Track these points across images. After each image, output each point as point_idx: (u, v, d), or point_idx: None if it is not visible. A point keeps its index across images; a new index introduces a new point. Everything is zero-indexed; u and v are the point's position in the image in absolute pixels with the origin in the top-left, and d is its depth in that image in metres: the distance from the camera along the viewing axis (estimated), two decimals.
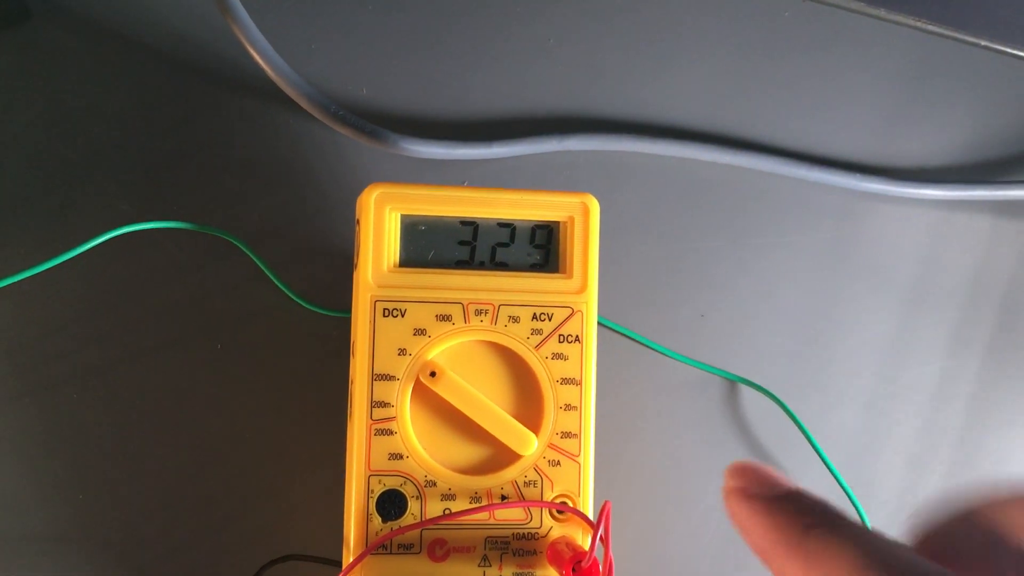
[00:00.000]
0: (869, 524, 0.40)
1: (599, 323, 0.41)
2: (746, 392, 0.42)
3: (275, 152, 0.41)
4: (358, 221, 0.35)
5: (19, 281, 0.37)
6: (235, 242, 0.39)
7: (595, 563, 0.33)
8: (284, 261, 0.40)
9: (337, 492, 0.35)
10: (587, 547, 0.34)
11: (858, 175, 0.44)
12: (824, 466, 0.40)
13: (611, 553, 0.36)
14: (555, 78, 0.43)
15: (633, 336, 0.42)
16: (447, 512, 0.35)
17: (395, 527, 0.34)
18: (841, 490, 0.40)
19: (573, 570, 0.33)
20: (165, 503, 0.38)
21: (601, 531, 0.34)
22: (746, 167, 0.44)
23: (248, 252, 0.39)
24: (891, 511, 0.42)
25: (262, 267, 0.39)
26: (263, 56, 0.39)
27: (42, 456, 0.37)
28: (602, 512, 0.34)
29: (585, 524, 0.35)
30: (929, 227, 0.45)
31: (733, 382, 0.42)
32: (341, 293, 0.38)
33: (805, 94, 0.45)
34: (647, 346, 0.42)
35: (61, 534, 0.37)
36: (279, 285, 0.39)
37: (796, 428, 0.41)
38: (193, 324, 0.39)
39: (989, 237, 0.45)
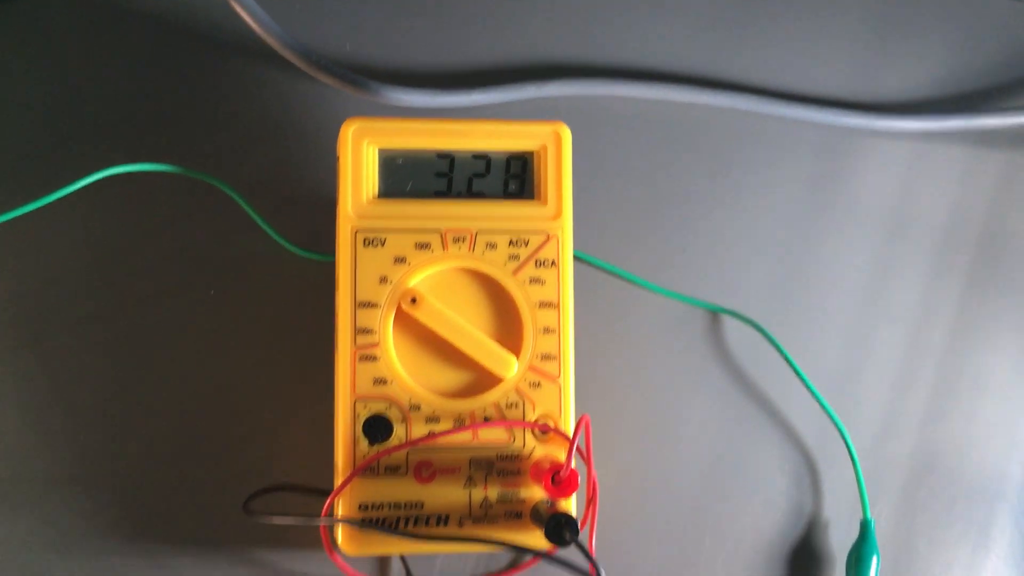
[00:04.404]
0: (853, 447, 0.40)
1: (583, 260, 0.42)
2: (729, 323, 0.42)
3: (262, 106, 0.42)
4: (338, 158, 0.36)
5: (17, 233, 0.39)
6: (225, 189, 0.40)
7: (574, 474, 0.34)
8: (272, 209, 0.41)
9: (325, 429, 0.36)
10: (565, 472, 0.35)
11: (835, 110, 0.45)
12: (808, 391, 0.41)
13: (594, 472, 0.37)
14: (533, 26, 0.45)
15: (617, 271, 0.42)
16: (432, 434, 0.35)
17: (381, 449, 0.35)
18: (825, 414, 0.41)
19: (552, 481, 0.34)
20: (162, 441, 0.39)
21: (580, 443, 0.35)
22: (724, 106, 0.45)
23: (238, 199, 0.40)
24: (875, 432, 0.42)
25: (252, 214, 0.40)
26: (248, 12, 0.40)
27: (43, 401, 0.39)
28: (579, 424, 0.35)
29: (567, 444, 0.36)
30: (908, 159, 0.45)
31: (715, 313, 0.43)
32: (328, 238, 0.39)
33: (781, 34, 0.46)
34: (631, 281, 0.42)
35: (62, 474, 0.38)
36: (268, 231, 0.40)
37: (779, 356, 0.41)
38: (186, 272, 0.41)
39: (966, 166, 0.46)
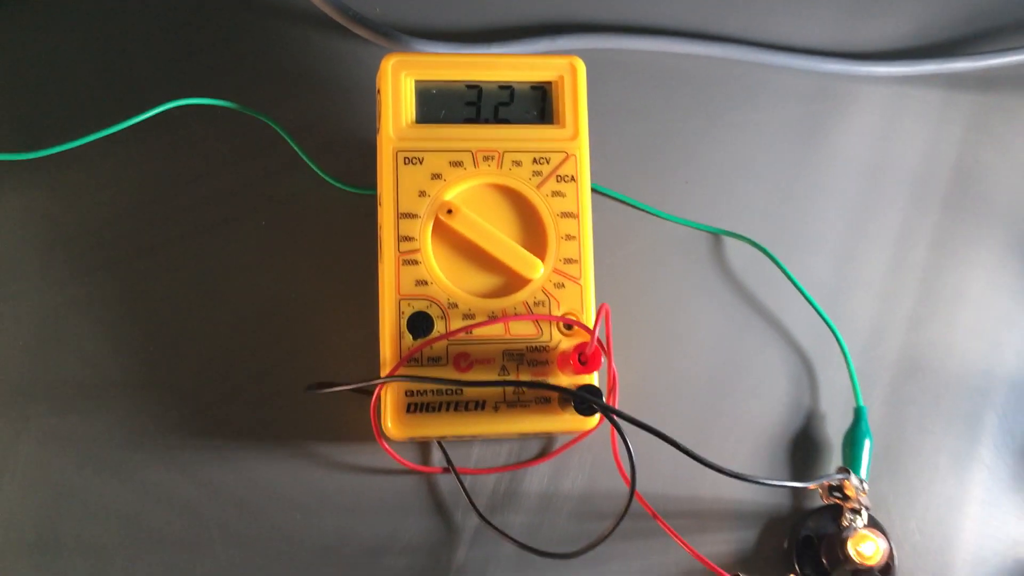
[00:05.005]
0: (845, 345, 0.45)
1: (599, 191, 0.47)
2: (729, 244, 0.47)
3: (303, 60, 0.47)
4: (379, 90, 0.41)
5: (92, 164, 0.44)
6: (275, 127, 0.45)
7: (597, 351, 0.38)
8: (316, 150, 0.45)
9: (365, 339, 0.40)
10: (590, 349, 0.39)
11: (820, 58, 0.50)
12: (805, 301, 0.45)
13: (614, 366, 0.41)
14: None
15: (629, 201, 0.47)
16: (468, 326, 0.40)
17: (424, 340, 0.39)
18: (822, 321, 0.45)
19: (580, 359, 0.38)
20: (222, 350, 0.43)
21: (600, 333, 0.39)
22: (719, 56, 0.50)
23: (286, 137, 0.45)
24: (866, 338, 0.46)
25: (299, 152, 0.45)
26: None
27: (117, 316, 0.43)
28: (599, 311, 0.39)
29: (589, 336, 0.40)
30: (887, 101, 0.50)
31: (718, 236, 0.47)
32: (364, 174, 0.44)
33: None
34: (640, 208, 0.47)
35: (135, 379, 0.42)
36: (314, 168, 0.45)
37: (777, 273, 0.46)
38: (240, 205, 0.45)
39: (940, 106, 0.51)
